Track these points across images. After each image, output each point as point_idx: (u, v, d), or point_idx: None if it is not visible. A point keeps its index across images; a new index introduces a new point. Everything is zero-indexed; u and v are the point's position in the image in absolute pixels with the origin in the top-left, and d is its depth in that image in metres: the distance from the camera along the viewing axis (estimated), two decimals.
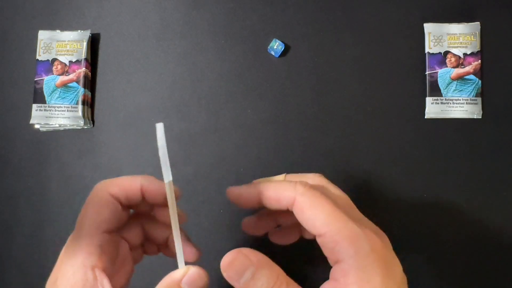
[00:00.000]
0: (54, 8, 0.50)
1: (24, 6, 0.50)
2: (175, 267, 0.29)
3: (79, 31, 0.49)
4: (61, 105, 0.47)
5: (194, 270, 0.28)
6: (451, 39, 0.47)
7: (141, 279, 0.46)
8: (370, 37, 0.48)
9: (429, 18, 0.48)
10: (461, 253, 0.45)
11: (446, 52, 0.47)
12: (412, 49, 0.48)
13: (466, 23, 0.47)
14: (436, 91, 0.46)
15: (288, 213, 0.30)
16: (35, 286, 0.47)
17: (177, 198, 0.30)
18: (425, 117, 0.46)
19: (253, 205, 0.31)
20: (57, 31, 0.49)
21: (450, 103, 0.46)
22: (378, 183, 0.46)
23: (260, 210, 0.34)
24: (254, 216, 0.35)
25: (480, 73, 0.46)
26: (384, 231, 0.31)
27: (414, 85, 0.47)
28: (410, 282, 0.29)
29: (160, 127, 0.27)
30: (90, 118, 0.48)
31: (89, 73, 0.48)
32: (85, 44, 0.48)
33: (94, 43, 0.49)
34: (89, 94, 0.48)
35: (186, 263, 0.29)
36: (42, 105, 0.47)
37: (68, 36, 0.49)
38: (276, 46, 0.47)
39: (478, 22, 0.47)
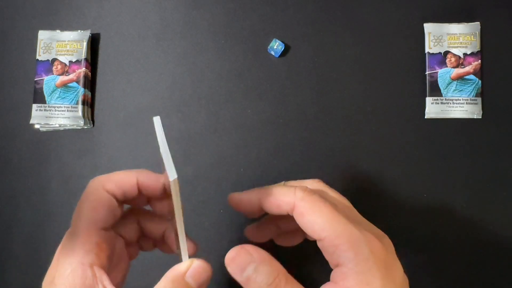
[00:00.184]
0: (54, 8, 0.50)
1: (24, 6, 0.50)
2: (170, 264, 0.29)
3: (79, 31, 0.49)
4: (61, 105, 0.47)
5: (198, 263, 0.28)
6: (451, 39, 0.47)
7: (139, 277, 0.46)
8: (370, 37, 0.48)
9: (429, 18, 0.48)
10: (461, 253, 0.45)
11: (446, 52, 0.47)
12: (412, 49, 0.48)
13: (466, 23, 0.47)
14: (436, 91, 0.46)
15: (289, 218, 0.30)
16: (35, 286, 0.46)
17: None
18: (425, 117, 0.46)
19: (253, 210, 0.31)
20: (57, 31, 0.49)
21: (450, 103, 0.46)
22: (378, 183, 0.46)
23: (262, 216, 0.34)
24: (256, 223, 0.35)
25: (480, 73, 0.46)
26: (384, 231, 0.31)
27: (414, 85, 0.47)
28: (410, 282, 0.29)
29: (157, 121, 0.27)
30: (90, 118, 0.48)
31: (89, 73, 0.48)
32: (85, 44, 0.48)
33: (94, 43, 0.49)
34: (89, 94, 0.48)
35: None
36: (42, 105, 0.47)
37: (68, 36, 0.49)
38: (276, 46, 0.47)
39: (478, 22, 0.47)
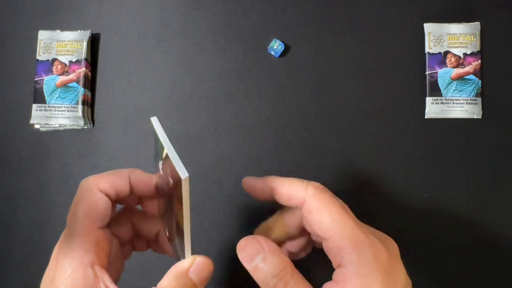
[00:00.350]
0: (54, 8, 0.50)
1: (24, 6, 0.50)
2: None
3: (79, 31, 0.49)
4: (61, 105, 0.47)
5: (200, 260, 0.29)
6: (451, 39, 0.47)
7: (140, 277, 0.46)
8: (370, 37, 0.48)
9: (429, 18, 0.48)
10: (461, 253, 0.45)
11: (446, 52, 0.47)
12: (412, 49, 0.48)
13: (466, 23, 0.47)
14: (436, 91, 0.46)
15: (297, 237, 0.32)
16: (35, 286, 0.46)
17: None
18: (425, 117, 0.46)
19: (265, 198, 0.32)
20: (57, 31, 0.49)
21: (450, 103, 0.46)
22: (378, 183, 0.46)
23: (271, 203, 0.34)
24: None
25: (480, 73, 0.46)
26: (384, 231, 0.31)
27: (414, 85, 0.47)
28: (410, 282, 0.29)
29: (156, 121, 0.27)
30: (90, 118, 0.48)
31: (89, 73, 0.48)
32: (85, 44, 0.48)
33: (94, 43, 0.49)
34: (89, 94, 0.48)
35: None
36: (42, 105, 0.47)
37: (68, 36, 0.49)
38: (276, 46, 0.47)
39: (478, 22, 0.47)
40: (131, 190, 0.31)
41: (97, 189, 0.30)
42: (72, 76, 0.48)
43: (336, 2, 0.49)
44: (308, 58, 0.48)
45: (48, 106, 0.47)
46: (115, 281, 0.32)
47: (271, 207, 0.34)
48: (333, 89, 0.47)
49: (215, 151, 0.47)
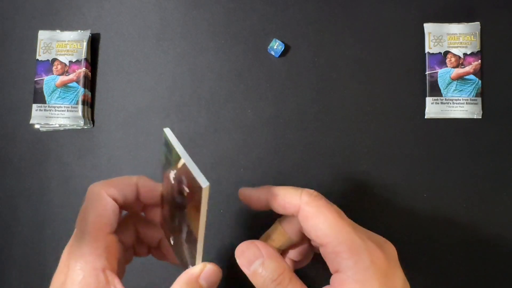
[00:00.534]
0: (54, 8, 0.50)
1: (24, 6, 0.50)
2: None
3: (79, 31, 0.49)
4: (61, 105, 0.47)
5: (210, 267, 0.30)
6: (451, 39, 0.47)
7: (140, 277, 0.46)
8: (370, 37, 0.48)
9: (429, 18, 0.48)
10: (461, 253, 0.45)
11: (446, 52, 0.47)
12: (412, 49, 0.48)
13: (466, 23, 0.47)
14: (436, 91, 0.46)
15: (298, 247, 0.33)
16: (35, 286, 0.47)
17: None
18: (425, 117, 0.46)
19: (261, 207, 0.32)
20: (57, 31, 0.49)
21: (450, 103, 0.46)
22: (378, 183, 0.46)
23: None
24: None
25: (480, 73, 0.46)
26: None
27: (414, 85, 0.47)
28: (408, 282, 0.29)
29: (169, 132, 0.28)
30: (90, 118, 0.48)
31: (89, 73, 0.48)
32: (85, 44, 0.48)
33: (94, 43, 0.49)
34: (89, 94, 0.48)
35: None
36: (42, 105, 0.47)
37: (68, 36, 0.49)
38: (276, 46, 0.47)
39: (478, 22, 0.47)
40: (137, 197, 0.32)
41: (107, 194, 0.30)
42: (72, 76, 0.48)
43: (336, 2, 0.49)
44: (308, 58, 0.48)
45: (48, 106, 0.47)
46: None
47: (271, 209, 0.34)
48: (333, 89, 0.47)
49: (215, 151, 0.47)
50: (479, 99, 0.46)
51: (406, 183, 0.46)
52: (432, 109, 0.46)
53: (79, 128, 0.48)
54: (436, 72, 0.46)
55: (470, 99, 0.46)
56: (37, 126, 0.48)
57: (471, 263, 0.45)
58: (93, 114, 0.48)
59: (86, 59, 0.48)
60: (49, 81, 0.48)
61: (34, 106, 0.48)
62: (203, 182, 0.25)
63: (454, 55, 0.47)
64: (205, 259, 0.29)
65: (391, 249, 0.29)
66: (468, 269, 0.44)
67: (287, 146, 0.47)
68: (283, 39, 0.48)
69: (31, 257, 0.47)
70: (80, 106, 0.47)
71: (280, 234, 0.33)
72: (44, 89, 0.48)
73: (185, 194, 0.28)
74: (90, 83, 0.49)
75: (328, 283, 0.29)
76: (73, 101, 0.47)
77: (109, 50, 0.49)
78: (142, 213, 0.35)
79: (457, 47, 0.47)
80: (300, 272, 0.35)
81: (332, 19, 0.48)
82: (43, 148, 0.48)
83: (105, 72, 0.49)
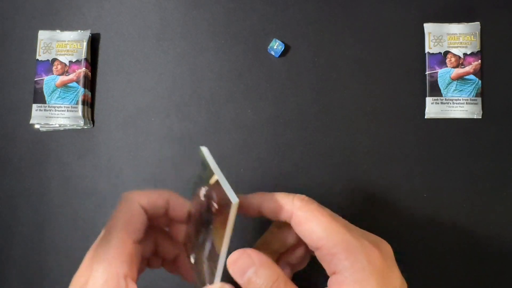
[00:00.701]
0: (54, 8, 0.50)
1: (24, 6, 0.50)
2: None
3: (79, 31, 0.49)
4: (61, 105, 0.47)
5: (227, 287, 0.30)
6: (451, 39, 0.47)
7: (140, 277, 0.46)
8: (370, 37, 0.48)
9: (429, 18, 0.48)
10: (461, 253, 0.45)
11: (446, 52, 0.47)
12: (412, 49, 0.48)
13: (466, 23, 0.47)
14: (436, 91, 0.46)
15: (293, 252, 0.33)
16: (35, 286, 0.47)
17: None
18: (425, 117, 0.46)
19: (253, 214, 0.32)
20: (57, 31, 0.49)
21: (450, 103, 0.46)
22: (378, 183, 0.46)
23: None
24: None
25: (480, 73, 0.46)
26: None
27: (414, 85, 0.47)
28: (408, 282, 0.29)
29: (206, 151, 0.30)
30: (90, 118, 0.48)
31: (89, 73, 0.48)
32: (85, 44, 0.48)
33: (94, 43, 0.49)
34: (89, 94, 0.48)
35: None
36: (42, 105, 0.47)
37: (68, 36, 0.49)
38: (276, 46, 0.47)
39: (478, 22, 0.47)
40: (166, 212, 0.33)
41: (139, 204, 0.31)
42: (72, 76, 0.48)
43: (336, 2, 0.49)
44: (308, 58, 0.48)
45: (48, 106, 0.47)
46: None
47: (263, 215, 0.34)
48: (333, 89, 0.47)
49: (215, 151, 0.47)
50: (479, 99, 0.46)
51: (406, 183, 0.46)
52: (432, 109, 0.46)
53: (79, 128, 0.48)
54: (436, 72, 0.46)
55: (470, 99, 0.46)
56: (37, 126, 0.48)
57: (471, 263, 0.44)
58: (93, 114, 0.48)
59: (86, 59, 0.48)
60: (49, 81, 0.48)
61: (34, 106, 0.48)
62: (233, 198, 0.26)
63: (454, 55, 0.47)
64: (223, 277, 0.30)
65: (387, 248, 0.29)
66: (468, 269, 0.44)
67: (287, 146, 0.47)
68: (283, 39, 0.48)
69: (31, 257, 0.47)
70: (80, 106, 0.47)
71: (277, 237, 0.33)
72: (44, 89, 0.48)
73: (214, 210, 0.28)
74: (90, 83, 0.49)
75: (325, 285, 0.28)
76: (73, 101, 0.47)
77: (109, 50, 0.49)
78: (167, 228, 0.35)
79: (457, 47, 0.47)
80: (296, 275, 0.35)
81: (332, 19, 0.48)
82: (43, 148, 0.48)
83: (105, 72, 0.49)
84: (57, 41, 0.48)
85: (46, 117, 0.47)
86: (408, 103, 0.47)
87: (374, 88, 0.47)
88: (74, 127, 0.48)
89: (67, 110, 0.47)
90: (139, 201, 0.31)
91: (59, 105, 0.47)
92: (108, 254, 0.28)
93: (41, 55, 0.48)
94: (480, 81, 0.46)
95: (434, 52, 0.47)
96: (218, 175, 0.28)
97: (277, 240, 0.33)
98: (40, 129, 0.48)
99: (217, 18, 0.49)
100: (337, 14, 0.48)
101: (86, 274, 0.28)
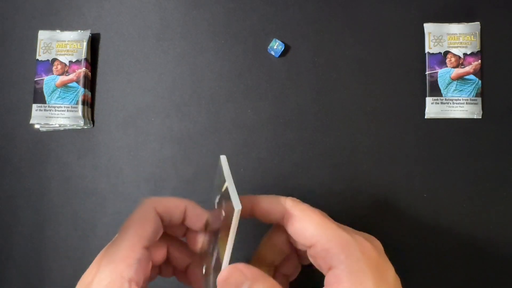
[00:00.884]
0: (54, 8, 0.50)
1: (24, 6, 0.50)
2: None
3: (79, 31, 0.49)
4: (61, 105, 0.47)
5: None
6: (451, 39, 0.47)
7: None
8: (370, 37, 0.48)
9: (429, 18, 0.48)
10: (461, 253, 0.45)
11: (446, 52, 0.47)
12: (412, 49, 0.48)
13: (466, 23, 0.47)
14: (436, 91, 0.46)
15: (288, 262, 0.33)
16: (35, 286, 0.47)
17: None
18: (425, 117, 0.46)
19: (245, 216, 0.32)
20: (57, 31, 0.49)
21: (450, 103, 0.46)
22: (378, 183, 0.46)
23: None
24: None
25: (480, 73, 0.46)
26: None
27: (414, 85, 0.47)
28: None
29: (224, 160, 0.30)
30: (90, 118, 0.48)
31: (89, 73, 0.48)
32: (85, 44, 0.48)
33: (94, 43, 0.49)
34: (89, 94, 0.48)
35: None
36: (42, 105, 0.47)
37: (68, 36, 0.49)
38: (276, 46, 0.47)
39: (478, 22, 0.47)
40: (183, 221, 0.32)
41: (154, 210, 0.31)
42: (72, 76, 0.48)
43: (336, 2, 0.49)
44: (308, 58, 0.48)
45: (48, 106, 0.47)
46: None
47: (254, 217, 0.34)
48: (333, 89, 0.47)
49: (215, 151, 0.47)
50: (479, 99, 0.46)
51: (406, 183, 0.46)
52: (432, 109, 0.46)
53: (79, 128, 0.48)
54: (436, 72, 0.46)
55: (470, 99, 0.46)
56: (37, 126, 0.48)
57: (471, 263, 0.44)
58: (93, 114, 0.48)
59: (86, 59, 0.48)
60: (49, 81, 0.48)
61: (34, 106, 0.48)
62: (236, 205, 0.25)
63: (454, 55, 0.47)
64: None
65: (379, 244, 0.30)
66: (468, 269, 0.44)
67: (287, 146, 0.47)
68: (283, 39, 0.48)
69: (31, 257, 0.47)
70: (80, 106, 0.47)
71: (271, 249, 0.33)
72: (44, 89, 0.48)
73: (222, 218, 0.28)
74: (90, 83, 0.49)
75: (323, 285, 0.28)
76: (73, 101, 0.47)
77: (109, 50, 0.49)
78: (183, 238, 0.35)
79: (457, 47, 0.47)
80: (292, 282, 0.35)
81: (332, 19, 0.48)
82: (43, 148, 0.48)
83: (105, 72, 0.49)
84: (57, 41, 0.48)
85: (46, 117, 0.47)
86: (408, 103, 0.47)
87: (374, 88, 0.47)
88: (74, 127, 0.48)
89: (67, 110, 0.47)
90: (156, 207, 0.31)
91: (59, 105, 0.47)
92: (116, 256, 0.28)
93: (41, 55, 0.48)
94: (480, 81, 0.46)
95: (434, 52, 0.47)
96: (228, 182, 0.28)
97: (271, 253, 0.33)
98: (40, 129, 0.48)
99: (217, 18, 0.49)
100: (337, 14, 0.48)
101: (93, 274, 0.28)
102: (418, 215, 0.45)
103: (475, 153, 0.46)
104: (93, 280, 0.28)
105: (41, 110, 0.47)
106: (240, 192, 0.29)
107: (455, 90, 0.46)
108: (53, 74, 0.48)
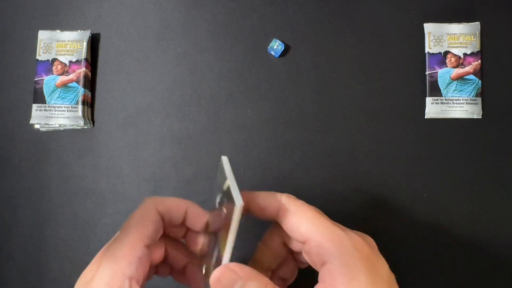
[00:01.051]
0: (54, 8, 0.50)
1: (24, 6, 0.50)
2: None
3: (79, 31, 0.49)
4: (61, 105, 0.47)
5: None
6: (451, 39, 0.47)
7: None
8: (370, 37, 0.48)
9: (429, 18, 0.48)
10: (461, 253, 0.45)
11: (446, 52, 0.47)
12: (412, 49, 0.48)
13: (466, 23, 0.47)
14: (436, 91, 0.46)
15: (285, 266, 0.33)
16: (35, 286, 0.47)
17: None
18: (425, 117, 0.46)
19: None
20: (57, 31, 0.49)
21: (450, 103, 0.46)
22: (378, 183, 0.46)
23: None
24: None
25: (480, 73, 0.46)
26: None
27: (414, 85, 0.47)
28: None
29: (226, 160, 0.30)
30: (90, 118, 0.48)
31: (89, 73, 0.48)
32: (85, 44, 0.48)
33: (94, 43, 0.49)
34: (89, 94, 0.48)
35: None
36: (42, 105, 0.47)
37: (68, 36, 0.49)
38: (276, 46, 0.47)
39: (478, 22, 0.47)
40: (183, 222, 0.33)
41: (156, 209, 0.31)
42: (72, 76, 0.48)
43: (336, 2, 0.49)
44: (308, 58, 0.48)
45: (48, 106, 0.47)
46: None
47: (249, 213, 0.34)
48: (333, 89, 0.47)
49: (215, 151, 0.47)
50: (479, 99, 0.46)
51: (406, 183, 0.46)
52: (432, 109, 0.46)
53: (79, 128, 0.48)
54: (436, 72, 0.46)
55: (470, 99, 0.46)
56: (37, 126, 0.48)
57: (471, 263, 0.44)
58: (93, 114, 0.49)
59: (86, 59, 0.48)
60: (49, 81, 0.48)
61: (34, 106, 0.48)
62: (238, 201, 0.26)
63: (454, 55, 0.47)
64: None
65: (372, 241, 0.30)
66: (468, 269, 0.44)
67: (287, 146, 0.47)
68: (283, 39, 0.48)
69: (31, 257, 0.47)
70: (80, 106, 0.47)
71: (267, 253, 0.33)
72: (44, 89, 0.48)
73: (223, 216, 0.28)
74: (90, 83, 0.49)
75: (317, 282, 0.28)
76: (73, 101, 0.47)
77: (109, 50, 0.49)
78: (183, 240, 0.35)
79: (457, 47, 0.47)
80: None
81: (332, 19, 0.48)
82: (43, 148, 0.48)
83: (105, 72, 0.49)
84: (57, 41, 0.49)
85: (46, 117, 0.47)
86: (408, 103, 0.47)
87: (374, 88, 0.47)
88: (74, 127, 0.48)
89: (67, 110, 0.47)
90: (158, 206, 0.31)
91: (59, 105, 0.47)
92: (117, 253, 0.28)
93: (41, 55, 0.48)
94: (480, 81, 0.46)
95: (434, 52, 0.47)
96: (229, 179, 0.28)
97: (268, 257, 0.33)
98: (40, 129, 0.48)
99: (217, 18, 0.49)
100: (337, 14, 0.48)
101: (94, 271, 0.28)
102: (418, 215, 0.45)
103: (475, 153, 0.46)
104: (94, 277, 0.28)
105: (41, 110, 0.47)
106: (240, 191, 0.30)
107: (455, 90, 0.46)
108: (53, 74, 0.48)
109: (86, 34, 0.49)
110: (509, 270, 0.44)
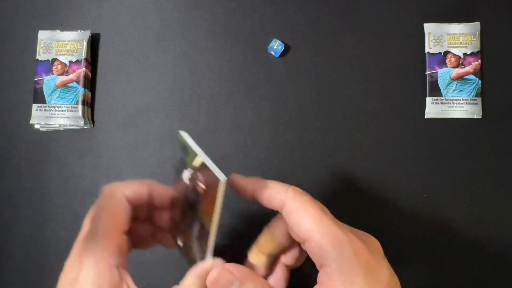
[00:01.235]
0: (54, 8, 0.50)
1: (24, 6, 0.50)
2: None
3: (79, 31, 0.49)
4: (61, 105, 0.47)
5: (219, 262, 0.30)
6: (451, 39, 0.47)
7: (140, 278, 0.46)
8: (370, 37, 0.48)
9: (429, 18, 0.48)
10: (461, 253, 0.45)
11: (446, 52, 0.47)
12: (412, 49, 0.48)
13: (466, 23, 0.47)
14: (436, 91, 0.46)
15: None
16: (35, 286, 0.47)
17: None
18: (425, 117, 0.46)
19: (247, 197, 0.32)
20: (57, 31, 0.49)
21: (450, 103, 0.46)
22: (378, 183, 0.46)
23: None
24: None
25: (480, 73, 0.46)
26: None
27: (414, 85, 0.47)
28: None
29: (185, 135, 0.30)
30: (90, 118, 0.48)
31: (89, 73, 0.48)
32: (85, 44, 0.48)
33: (94, 43, 0.49)
34: (89, 94, 0.48)
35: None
36: (42, 105, 0.47)
37: (68, 36, 0.49)
38: (276, 46, 0.47)
39: (478, 22, 0.47)
40: (148, 200, 0.33)
41: (123, 196, 0.31)
42: (72, 76, 0.48)
43: (336, 2, 0.49)
44: (308, 58, 0.48)
45: (48, 106, 0.47)
46: None
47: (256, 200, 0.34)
48: (333, 89, 0.47)
49: (215, 151, 0.47)
50: (479, 99, 0.46)
51: (406, 183, 0.46)
52: (432, 109, 0.46)
53: (79, 128, 0.48)
54: (436, 72, 0.46)
55: (470, 99, 0.46)
56: (37, 126, 0.48)
57: (471, 263, 0.44)
58: (93, 114, 0.49)
59: (86, 59, 0.48)
60: (49, 81, 0.48)
61: (34, 106, 0.48)
62: (221, 176, 0.27)
63: (454, 55, 0.47)
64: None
65: (375, 243, 0.30)
66: (468, 269, 0.44)
67: (287, 146, 0.47)
68: (283, 39, 0.48)
69: (31, 257, 0.47)
70: (80, 106, 0.47)
71: (271, 240, 0.33)
72: (44, 89, 0.48)
73: (201, 191, 0.29)
74: (90, 83, 0.49)
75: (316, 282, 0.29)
76: (73, 101, 0.47)
77: (109, 50, 0.49)
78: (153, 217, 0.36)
79: (457, 47, 0.47)
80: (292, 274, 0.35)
81: (332, 19, 0.48)
82: (43, 148, 0.48)
83: (105, 72, 0.49)
84: (57, 41, 0.49)
85: (46, 117, 0.47)
86: (408, 103, 0.47)
87: (374, 88, 0.47)
88: (74, 127, 0.48)
89: (67, 110, 0.47)
90: (122, 192, 0.31)
91: (59, 105, 0.47)
92: (97, 245, 0.28)
93: (41, 55, 0.48)
94: (480, 81, 0.46)
95: (434, 52, 0.47)
96: (203, 157, 0.29)
97: (272, 243, 0.33)
98: (40, 129, 0.48)
99: (217, 18, 0.49)
100: (337, 14, 0.48)
101: (75, 269, 0.28)
102: (418, 215, 0.45)
103: (475, 153, 0.46)
104: (78, 275, 0.27)
105: (41, 110, 0.47)
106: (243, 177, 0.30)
107: (455, 90, 0.46)
108: (53, 74, 0.48)
109: (86, 34, 0.49)
110: (509, 270, 0.44)
